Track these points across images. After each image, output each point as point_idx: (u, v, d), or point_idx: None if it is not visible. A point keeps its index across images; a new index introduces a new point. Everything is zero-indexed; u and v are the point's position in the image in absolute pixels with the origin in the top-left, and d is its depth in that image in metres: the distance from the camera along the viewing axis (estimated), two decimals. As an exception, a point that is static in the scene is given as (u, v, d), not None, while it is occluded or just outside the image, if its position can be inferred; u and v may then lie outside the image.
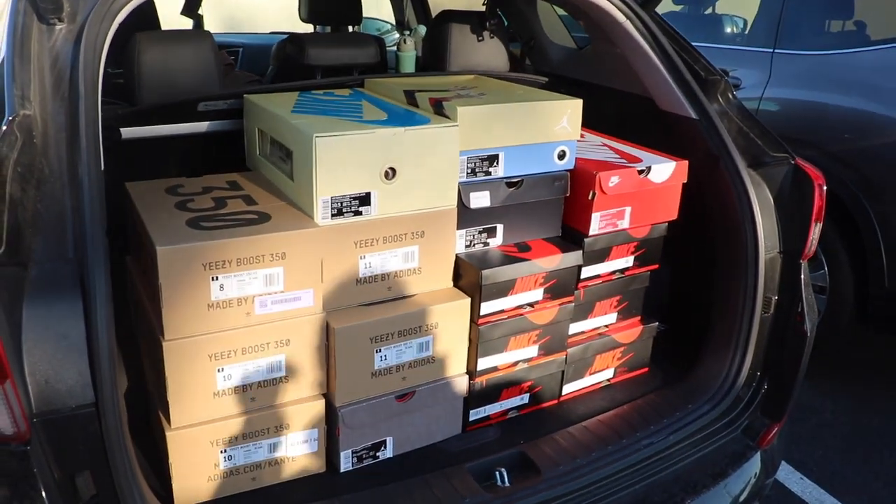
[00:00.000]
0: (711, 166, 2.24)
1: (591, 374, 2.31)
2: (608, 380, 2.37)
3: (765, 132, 2.28)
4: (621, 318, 2.34)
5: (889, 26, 3.50)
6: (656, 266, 2.33)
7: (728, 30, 4.51)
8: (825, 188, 2.19)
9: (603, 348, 2.30)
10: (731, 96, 2.35)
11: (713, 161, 2.24)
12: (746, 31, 4.39)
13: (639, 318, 2.39)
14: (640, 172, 2.12)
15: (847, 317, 3.53)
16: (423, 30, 3.19)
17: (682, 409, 2.12)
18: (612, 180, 2.06)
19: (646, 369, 2.43)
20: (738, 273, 2.17)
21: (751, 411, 2.18)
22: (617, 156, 2.21)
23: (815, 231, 2.18)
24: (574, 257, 2.09)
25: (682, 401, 2.16)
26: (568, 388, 2.28)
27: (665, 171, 2.17)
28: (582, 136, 2.11)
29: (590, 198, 2.07)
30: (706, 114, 2.27)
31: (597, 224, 2.10)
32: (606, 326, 2.32)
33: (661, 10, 3.99)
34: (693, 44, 4.33)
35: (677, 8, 4.69)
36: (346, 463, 1.93)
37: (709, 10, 4.75)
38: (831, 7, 3.86)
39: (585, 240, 2.11)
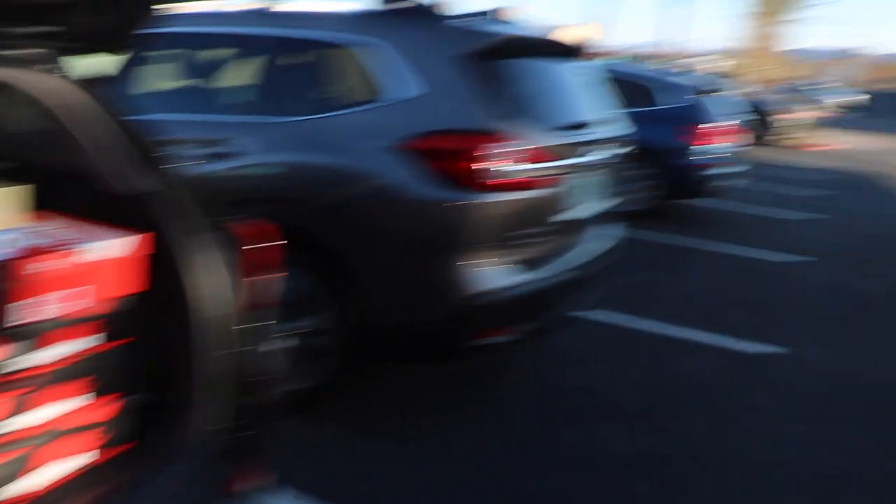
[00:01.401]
0: (160, 238, 2.33)
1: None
2: (90, 463, 2.30)
3: (211, 198, 2.43)
4: (92, 399, 2.30)
5: (348, 94, 4.07)
6: (126, 340, 2.34)
7: (228, 101, 4.78)
8: (276, 241, 2.41)
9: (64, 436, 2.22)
10: (175, 170, 2.46)
11: (161, 233, 2.33)
12: (245, 102, 4.67)
13: (116, 394, 2.36)
14: (74, 254, 2.11)
15: (355, 353, 3.95)
16: None
17: (150, 475, 2.15)
18: (36, 267, 2.02)
19: (134, 443, 2.42)
20: (189, 336, 2.28)
21: (223, 463, 2.29)
22: (51, 239, 2.18)
23: (269, 282, 2.39)
24: None
25: (151, 467, 2.19)
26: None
27: (109, 247, 2.20)
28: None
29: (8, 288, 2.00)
30: (153, 188, 2.36)
31: (23, 313, 2.04)
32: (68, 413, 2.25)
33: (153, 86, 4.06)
34: (194, 117, 4.49)
35: (178, 83, 4.84)
36: None
37: (213, 84, 4.97)
38: (309, 79, 4.33)
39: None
